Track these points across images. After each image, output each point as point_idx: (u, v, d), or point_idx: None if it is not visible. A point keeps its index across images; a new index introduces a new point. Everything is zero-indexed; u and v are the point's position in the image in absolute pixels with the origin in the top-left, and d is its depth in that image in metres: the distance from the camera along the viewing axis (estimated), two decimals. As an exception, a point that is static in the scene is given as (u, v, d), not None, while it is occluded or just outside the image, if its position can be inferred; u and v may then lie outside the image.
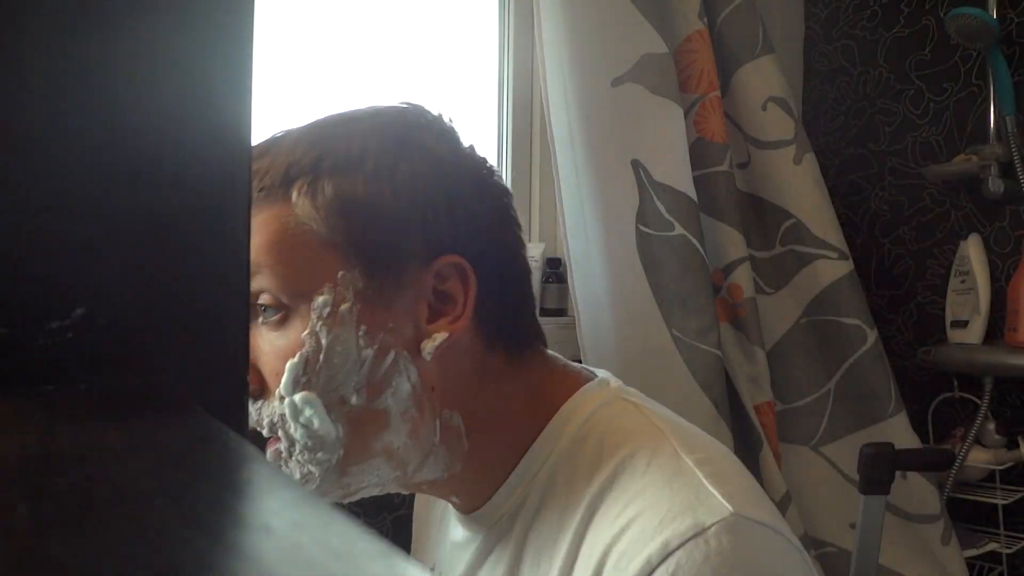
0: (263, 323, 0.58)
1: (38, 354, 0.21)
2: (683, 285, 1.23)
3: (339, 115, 0.63)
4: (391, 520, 1.30)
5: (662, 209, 1.24)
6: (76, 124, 0.21)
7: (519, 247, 0.65)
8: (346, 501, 0.62)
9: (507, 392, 0.62)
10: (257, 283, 0.57)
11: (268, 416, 0.57)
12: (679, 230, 1.24)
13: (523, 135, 1.58)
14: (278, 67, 1.36)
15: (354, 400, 0.56)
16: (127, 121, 0.22)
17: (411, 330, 0.58)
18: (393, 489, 0.63)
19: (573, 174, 1.26)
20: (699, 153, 1.32)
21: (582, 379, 0.65)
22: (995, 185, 1.46)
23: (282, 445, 0.57)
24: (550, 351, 0.68)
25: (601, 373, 0.67)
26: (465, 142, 0.64)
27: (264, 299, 0.57)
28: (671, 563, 0.49)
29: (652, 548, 0.50)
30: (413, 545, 0.81)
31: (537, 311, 0.70)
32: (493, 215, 0.62)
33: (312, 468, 0.57)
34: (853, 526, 1.27)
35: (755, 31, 1.40)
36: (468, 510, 0.64)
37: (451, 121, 0.63)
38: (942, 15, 1.57)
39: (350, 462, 0.57)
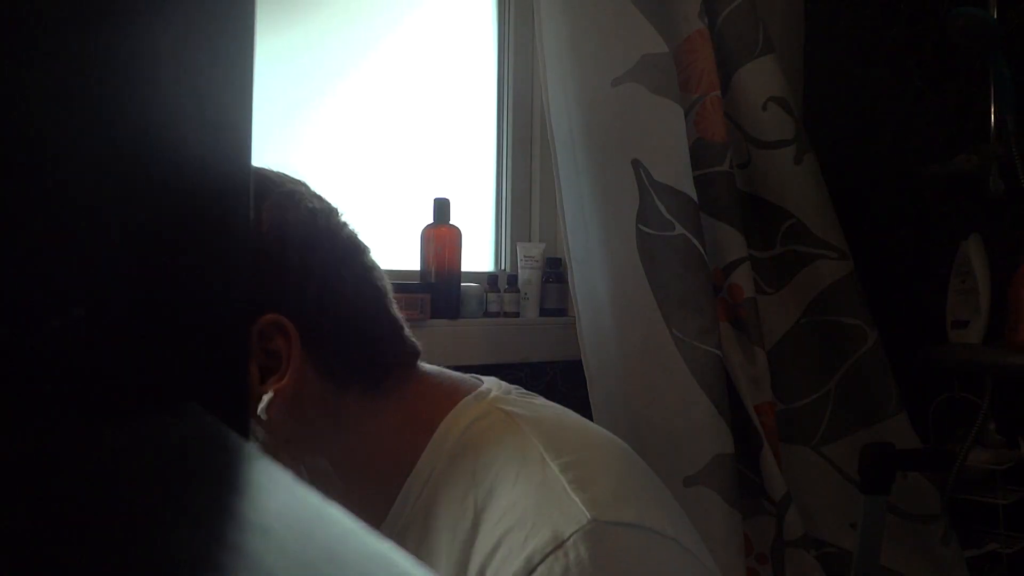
0: None
1: (38, 354, 0.21)
2: (683, 285, 1.23)
3: None
4: (391, 520, 1.29)
5: (662, 209, 1.24)
6: (76, 124, 0.21)
7: (355, 272, 0.64)
8: None
9: (372, 426, 0.63)
10: None
11: None
12: (679, 230, 1.24)
13: (523, 135, 1.58)
14: (279, 67, 1.36)
15: None
16: (127, 121, 0.22)
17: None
18: None
19: (573, 174, 1.26)
20: (699, 153, 1.32)
21: (460, 393, 0.65)
22: (995, 185, 1.46)
23: None
24: (427, 365, 0.68)
25: (486, 381, 0.68)
26: (272, 184, 0.65)
27: None
28: None
29: (517, 565, 0.51)
30: None
31: (404, 329, 0.68)
32: (310, 253, 0.62)
33: None
34: (853, 526, 1.27)
35: (755, 31, 1.40)
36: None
37: (261, 179, 0.65)
38: (942, 15, 1.57)
39: None
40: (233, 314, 0.24)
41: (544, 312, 1.47)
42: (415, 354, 0.67)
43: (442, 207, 1.36)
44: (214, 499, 0.17)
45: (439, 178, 1.51)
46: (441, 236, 1.34)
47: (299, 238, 0.62)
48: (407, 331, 0.68)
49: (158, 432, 0.21)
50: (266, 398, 0.59)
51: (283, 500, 0.17)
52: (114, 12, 0.21)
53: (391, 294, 0.67)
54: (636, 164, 1.25)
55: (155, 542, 0.15)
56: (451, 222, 1.36)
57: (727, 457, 1.20)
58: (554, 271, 1.50)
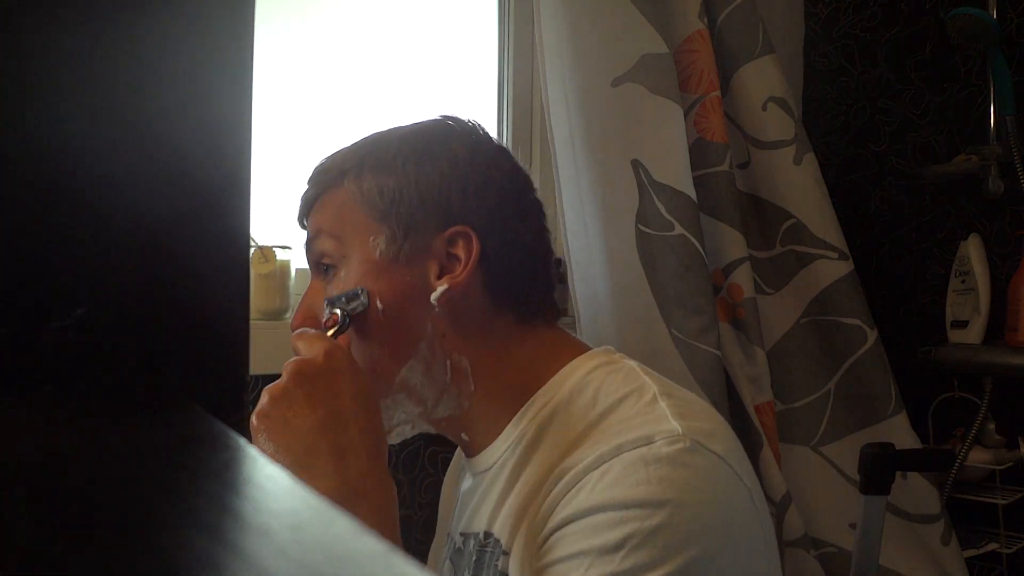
0: (320, 276, 0.76)
1: (38, 354, 0.21)
2: (683, 285, 1.23)
3: (390, 128, 0.81)
4: (391, 520, 1.30)
5: (662, 209, 1.24)
6: (77, 125, 0.21)
7: (533, 229, 0.78)
8: (389, 440, 0.74)
9: (513, 346, 0.74)
10: (319, 245, 0.75)
11: None
12: (679, 230, 1.24)
13: (523, 135, 1.58)
14: (279, 68, 1.36)
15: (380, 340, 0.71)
16: (128, 122, 0.22)
17: (425, 284, 0.72)
18: (423, 427, 0.77)
19: (573, 174, 1.26)
20: (699, 153, 1.32)
21: (589, 348, 0.77)
22: (995, 185, 1.46)
23: None
24: (567, 330, 0.80)
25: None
26: (490, 143, 0.79)
27: (322, 258, 0.75)
28: (616, 460, 0.61)
29: (605, 448, 0.63)
30: (438, 529, 0.95)
31: (554, 289, 0.81)
32: (504, 199, 0.76)
33: None
34: (853, 526, 1.27)
35: (755, 31, 1.39)
36: (477, 450, 0.76)
37: (478, 127, 0.80)
38: (942, 15, 1.57)
39: (378, 395, 0.71)
40: (233, 314, 0.24)
41: (544, 312, 1.47)
42: (557, 313, 0.80)
43: (442, 207, 1.35)
44: (214, 499, 0.17)
45: (439, 178, 1.51)
46: (441, 236, 1.34)
47: (501, 181, 0.76)
48: (555, 293, 0.81)
49: (158, 432, 0.21)
50: (440, 289, 0.71)
51: (283, 500, 0.17)
52: (114, 13, 0.21)
53: (552, 259, 0.81)
54: (636, 164, 1.25)
55: (155, 542, 0.15)
56: (451, 222, 1.36)
57: (727, 457, 1.19)
58: (554, 271, 1.50)
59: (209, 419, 0.22)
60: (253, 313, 1.20)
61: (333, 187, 0.76)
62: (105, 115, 0.22)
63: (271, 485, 0.18)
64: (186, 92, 0.23)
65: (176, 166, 0.23)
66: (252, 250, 1.20)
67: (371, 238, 0.73)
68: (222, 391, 0.24)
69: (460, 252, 0.72)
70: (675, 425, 0.63)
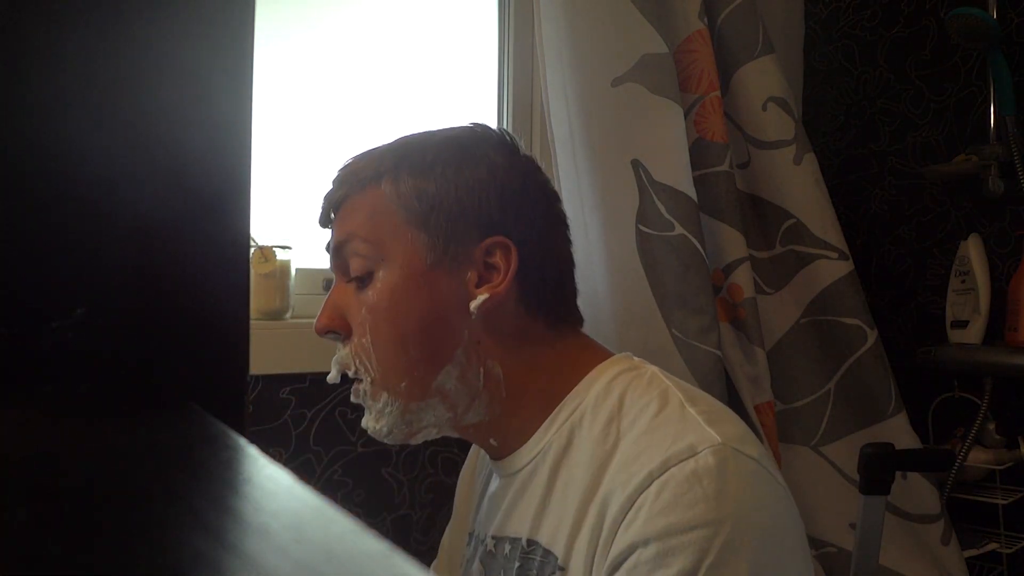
0: (354, 280, 0.74)
1: (38, 354, 0.21)
2: (683, 285, 1.23)
3: (422, 132, 0.80)
4: (391, 520, 1.30)
5: (662, 209, 1.24)
6: (77, 125, 0.21)
7: (561, 239, 0.80)
8: (412, 442, 0.76)
9: (543, 353, 0.76)
10: (351, 248, 0.74)
11: (355, 357, 0.73)
12: (679, 230, 1.24)
13: (523, 135, 1.58)
14: (279, 67, 1.36)
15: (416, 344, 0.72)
16: (128, 122, 0.22)
17: (463, 292, 0.73)
18: (447, 431, 0.77)
19: (573, 174, 1.26)
20: (699, 153, 1.32)
21: (612, 354, 0.79)
22: (995, 185, 1.46)
23: (364, 383, 0.74)
24: (589, 335, 0.82)
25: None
26: (521, 152, 0.80)
27: (355, 262, 0.74)
28: (667, 475, 0.63)
29: (654, 465, 0.64)
30: (451, 523, 0.96)
31: (577, 296, 0.83)
32: (537, 210, 0.77)
33: (386, 401, 0.73)
34: (853, 526, 1.27)
35: (755, 31, 1.39)
36: (505, 454, 0.77)
37: (510, 136, 0.80)
38: (942, 15, 1.57)
39: (412, 398, 0.73)
40: (233, 314, 0.24)
41: (544, 312, 1.47)
42: (581, 320, 0.82)
43: (442, 207, 1.35)
44: (214, 499, 0.17)
45: (439, 178, 1.51)
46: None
47: (535, 192, 0.78)
48: (577, 301, 0.83)
49: (158, 432, 0.21)
50: (481, 298, 0.72)
51: (283, 500, 0.17)
52: (114, 13, 0.21)
53: (575, 268, 0.82)
54: (636, 164, 1.25)
55: (155, 542, 0.15)
56: (451, 222, 1.36)
57: (727, 457, 1.20)
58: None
59: (209, 419, 0.22)
60: (253, 313, 1.20)
61: (365, 188, 0.75)
62: (105, 115, 0.22)
63: (271, 485, 0.18)
64: (186, 92, 0.23)
65: (176, 166, 0.23)
66: (252, 250, 1.20)
67: (412, 243, 0.72)
68: (222, 391, 0.24)
69: (499, 262, 0.73)
70: (712, 433, 0.65)
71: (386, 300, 0.72)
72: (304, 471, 1.21)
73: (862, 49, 1.73)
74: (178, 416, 0.22)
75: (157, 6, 0.22)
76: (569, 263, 0.81)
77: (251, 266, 1.17)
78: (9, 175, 0.21)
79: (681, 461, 0.63)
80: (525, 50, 1.57)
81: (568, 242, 0.81)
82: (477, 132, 0.80)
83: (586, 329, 1.28)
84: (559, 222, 0.80)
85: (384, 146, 0.78)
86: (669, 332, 1.23)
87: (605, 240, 1.25)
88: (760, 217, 1.45)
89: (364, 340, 0.73)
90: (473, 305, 0.72)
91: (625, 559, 0.63)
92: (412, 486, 1.31)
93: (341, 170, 0.79)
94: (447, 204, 0.73)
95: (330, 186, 0.79)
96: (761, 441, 1.28)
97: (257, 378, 1.16)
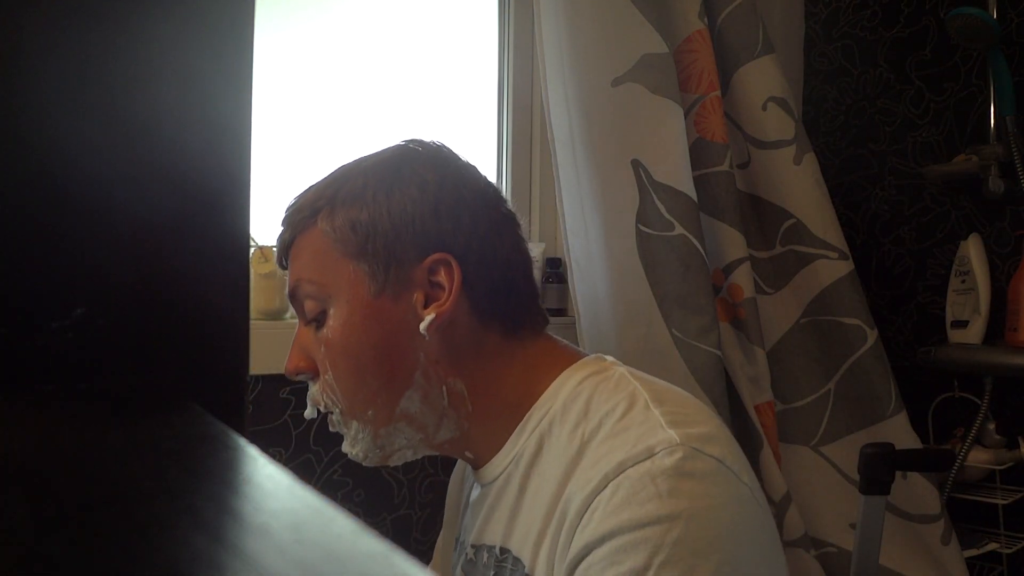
0: (309, 323, 0.75)
1: (38, 354, 0.21)
2: (683, 285, 1.23)
3: (355, 160, 0.79)
4: (391, 520, 1.30)
5: (662, 209, 1.24)
6: (76, 125, 0.21)
7: (510, 241, 0.78)
8: (389, 464, 0.77)
9: (505, 363, 0.75)
10: (302, 292, 0.75)
11: (322, 393, 0.75)
12: (679, 230, 1.24)
13: (523, 135, 1.58)
14: (279, 67, 1.36)
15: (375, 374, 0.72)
16: (128, 122, 0.22)
17: (412, 315, 0.73)
18: (424, 451, 0.78)
19: (573, 174, 1.26)
20: (699, 153, 1.32)
21: (580, 355, 0.78)
22: (995, 185, 1.46)
23: (335, 415, 0.75)
24: (556, 336, 0.81)
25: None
26: (457, 162, 0.78)
27: (308, 304, 0.75)
28: (621, 476, 0.63)
29: (610, 467, 0.64)
30: (443, 530, 0.95)
31: (538, 297, 0.81)
32: (477, 218, 0.75)
33: (357, 428, 0.74)
34: (853, 526, 1.27)
35: (755, 31, 1.39)
36: (481, 464, 0.78)
37: (442, 147, 0.79)
38: (942, 15, 1.57)
39: (380, 424, 0.74)
40: (233, 314, 0.24)
41: (544, 312, 1.47)
42: (544, 320, 0.80)
43: (442, 207, 1.35)
44: (214, 499, 0.17)
45: (439, 178, 1.50)
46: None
47: (472, 200, 0.76)
48: (540, 300, 0.81)
49: (158, 432, 0.21)
50: (428, 318, 0.72)
51: (283, 500, 0.17)
52: (114, 12, 0.21)
53: (532, 266, 0.81)
54: (636, 164, 1.25)
55: (155, 542, 0.15)
56: (451, 222, 1.35)
57: (727, 457, 1.19)
58: (554, 271, 1.50)
59: (209, 419, 0.22)
60: (253, 313, 1.20)
61: (306, 229, 0.75)
62: (105, 115, 0.22)
63: (271, 485, 0.18)
64: (186, 92, 0.23)
65: (176, 166, 0.23)
66: (252, 250, 1.20)
67: (353, 275, 0.72)
68: (222, 391, 0.24)
69: (442, 280, 0.73)
70: (671, 434, 0.65)
71: (339, 336, 0.72)
72: (304, 471, 1.21)
73: (862, 49, 1.73)
74: (178, 416, 0.22)
75: (157, 6, 0.22)
76: (521, 265, 0.79)
77: (251, 266, 1.18)
78: (9, 175, 0.21)
79: (637, 463, 0.63)
80: (525, 50, 1.57)
81: (520, 241, 0.79)
82: (407, 150, 0.78)
83: (586, 329, 1.28)
84: (505, 225, 0.78)
85: (322, 180, 0.78)
86: (669, 332, 1.23)
87: (605, 240, 1.25)
88: (760, 217, 1.45)
89: (327, 376, 0.74)
90: (422, 326, 0.72)
91: (581, 560, 0.63)
92: (412, 486, 1.31)
93: (286, 211, 0.79)
94: (382, 230, 0.72)
95: (280, 227, 0.79)
96: (762, 443, 1.28)
97: (257, 378, 1.16)
